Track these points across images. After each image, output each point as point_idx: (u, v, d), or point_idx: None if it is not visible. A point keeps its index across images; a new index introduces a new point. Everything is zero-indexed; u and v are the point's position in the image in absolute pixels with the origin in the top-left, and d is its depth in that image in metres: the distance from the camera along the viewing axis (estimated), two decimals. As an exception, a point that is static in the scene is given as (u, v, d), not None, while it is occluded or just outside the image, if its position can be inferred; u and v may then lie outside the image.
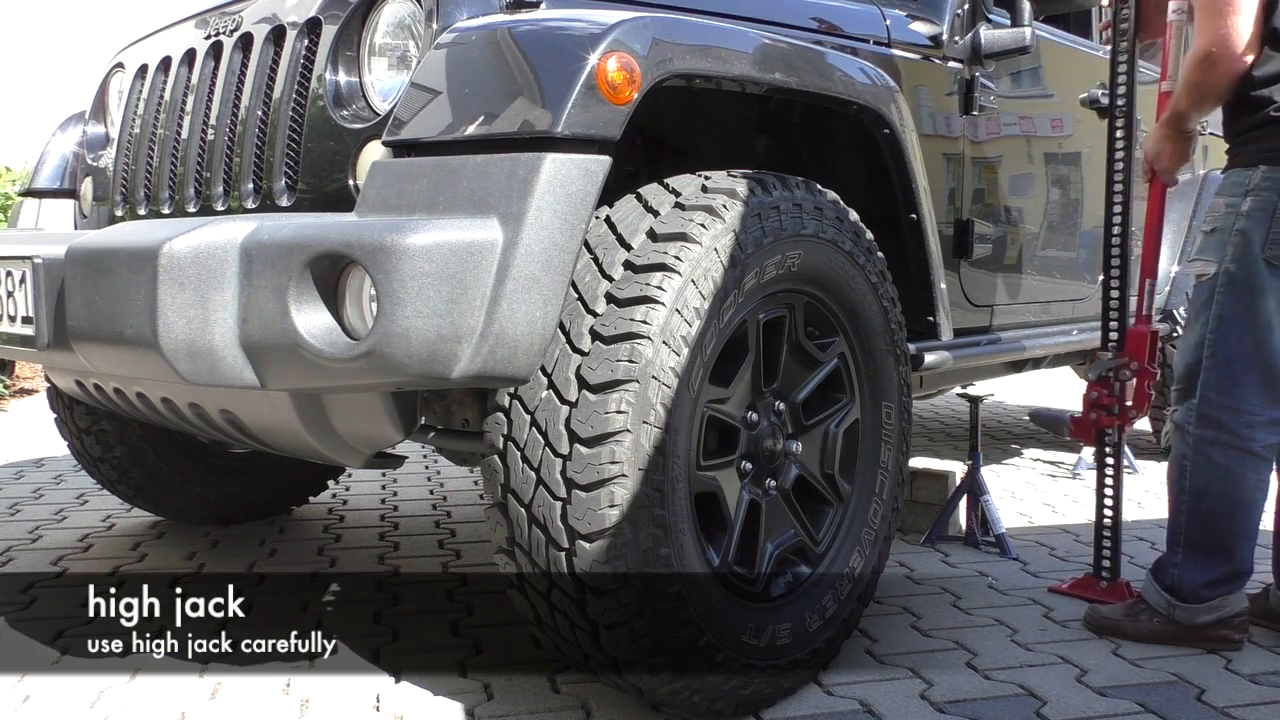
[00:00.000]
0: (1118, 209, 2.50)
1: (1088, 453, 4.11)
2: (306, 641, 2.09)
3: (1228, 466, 2.11)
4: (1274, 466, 2.20)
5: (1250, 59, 2.04)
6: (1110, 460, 2.53)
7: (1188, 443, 2.15)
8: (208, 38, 2.11)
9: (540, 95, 1.56)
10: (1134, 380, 2.45)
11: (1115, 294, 2.52)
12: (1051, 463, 4.28)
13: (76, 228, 2.54)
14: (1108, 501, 2.53)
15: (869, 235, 2.05)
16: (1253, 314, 2.07)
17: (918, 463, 3.16)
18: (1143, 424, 3.88)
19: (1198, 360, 2.13)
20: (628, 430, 1.57)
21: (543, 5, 1.80)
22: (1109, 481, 2.54)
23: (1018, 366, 3.22)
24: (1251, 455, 2.11)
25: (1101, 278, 2.59)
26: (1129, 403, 2.47)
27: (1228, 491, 2.11)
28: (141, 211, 2.21)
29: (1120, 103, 2.48)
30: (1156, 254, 2.48)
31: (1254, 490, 2.13)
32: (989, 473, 3.27)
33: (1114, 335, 2.52)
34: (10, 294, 1.93)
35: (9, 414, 5.27)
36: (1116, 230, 2.51)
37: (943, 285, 2.43)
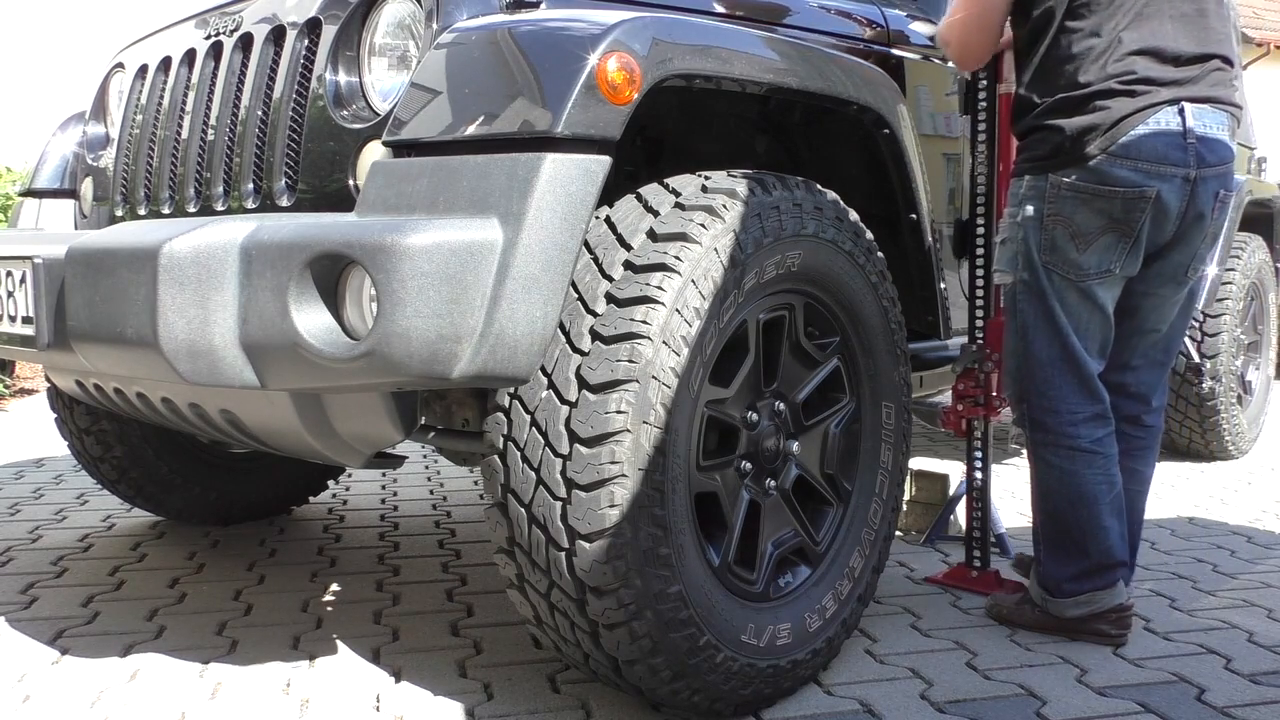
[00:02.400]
0: (980, 206, 2.55)
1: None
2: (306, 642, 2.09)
3: (1061, 465, 2.17)
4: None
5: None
6: (979, 452, 2.61)
7: (1029, 448, 2.25)
8: (208, 38, 2.11)
9: (540, 95, 1.56)
10: (996, 371, 2.50)
11: (980, 288, 2.56)
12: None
13: (76, 228, 2.55)
14: (976, 490, 2.62)
15: (869, 235, 2.05)
16: (1050, 317, 2.13)
17: (917, 463, 3.16)
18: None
19: (1016, 366, 2.21)
20: (628, 430, 1.57)
21: (543, 5, 1.80)
22: (978, 474, 2.61)
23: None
24: (1081, 451, 2.16)
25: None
26: (994, 394, 2.53)
27: (1066, 490, 2.17)
28: (141, 211, 2.21)
29: (982, 104, 2.52)
30: None
31: (1093, 485, 2.16)
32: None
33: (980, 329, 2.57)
34: (10, 294, 1.93)
35: (9, 414, 5.27)
36: (980, 227, 2.55)
37: (943, 285, 2.44)
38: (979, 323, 2.56)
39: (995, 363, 2.49)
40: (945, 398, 2.85)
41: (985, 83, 2.51)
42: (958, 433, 2.61)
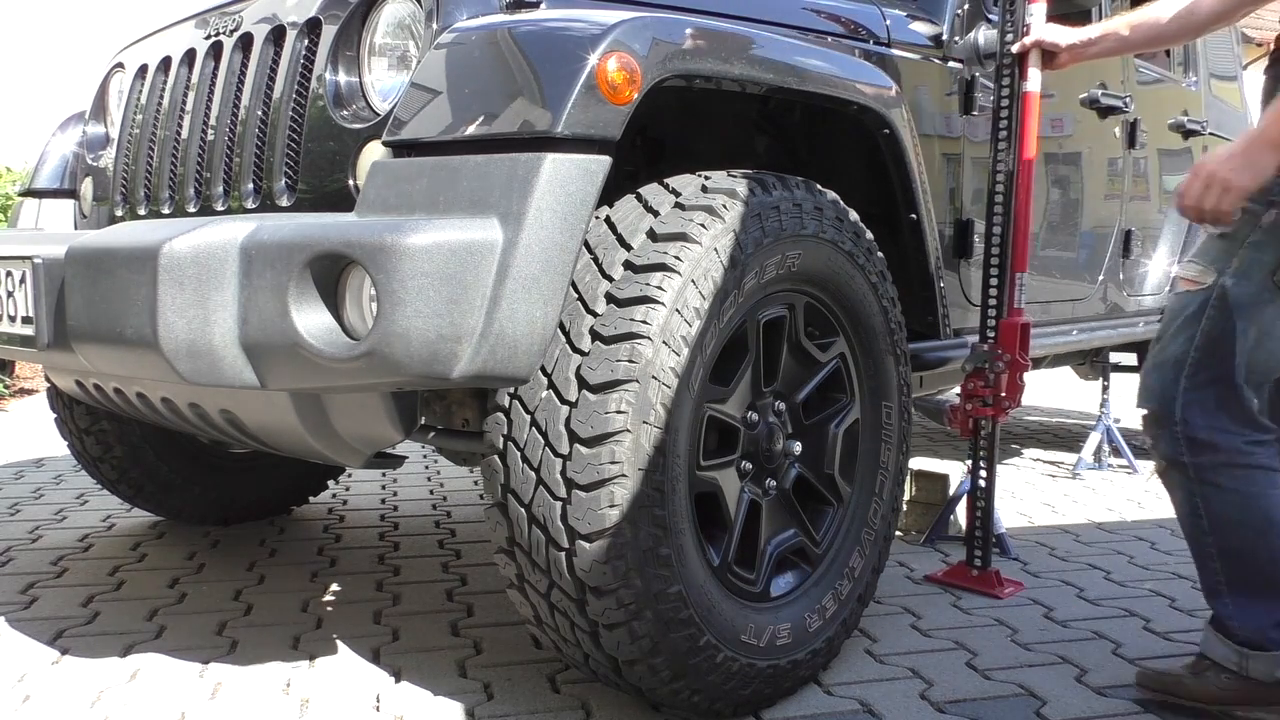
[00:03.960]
0: (998, 206, 2.54)
1: (1088, 452, 4.12)
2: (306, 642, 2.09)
3: (1238, 489, 1.81)
4: None
5: None
6: (984, 451, 2.60)
7: (1188, 475, 1.84)
8: (208, 38, 2.11)
9: (540, 95, 1.56)
10: (1006, 372, 2.48)
11: (994, 288, 2.56)
12: (1051, 463, 4.29)
13: (76, 228, 2.55)
14: (979, 490, 2.61)
15: (869, 235, 2.05)
16: (1231, 336, 1.79)
17: (917, 463, 3.16)
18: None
19: (1173, 379, 1.84)
20: (628, 430, 1.57)
21: (543, 5, 1.80)
22: (982, 472, 2.60)
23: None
24: (1262, 469, 1.81)
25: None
26: (1003, 394, 2.51)
27: (1251, 517, 1.81)
28: (141, 211, 2.21)
29: (1005, 101, 2.51)
30: (1025, 249, 2.53)
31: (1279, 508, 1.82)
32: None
33: (991, 328, 2.57)
34: (10, 294, 1.93)
35: (9, 414, 5.27)
36: (997, 226, 2.55)
37: (943, 285, 2.44)
38: (990, 322, 2.55)
39: (1005, 363, 2.48)
40: (951, 396, 2.85)
41: (1008, 81, 2.50)
42: (963, 432, 2.60)
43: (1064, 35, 2.41)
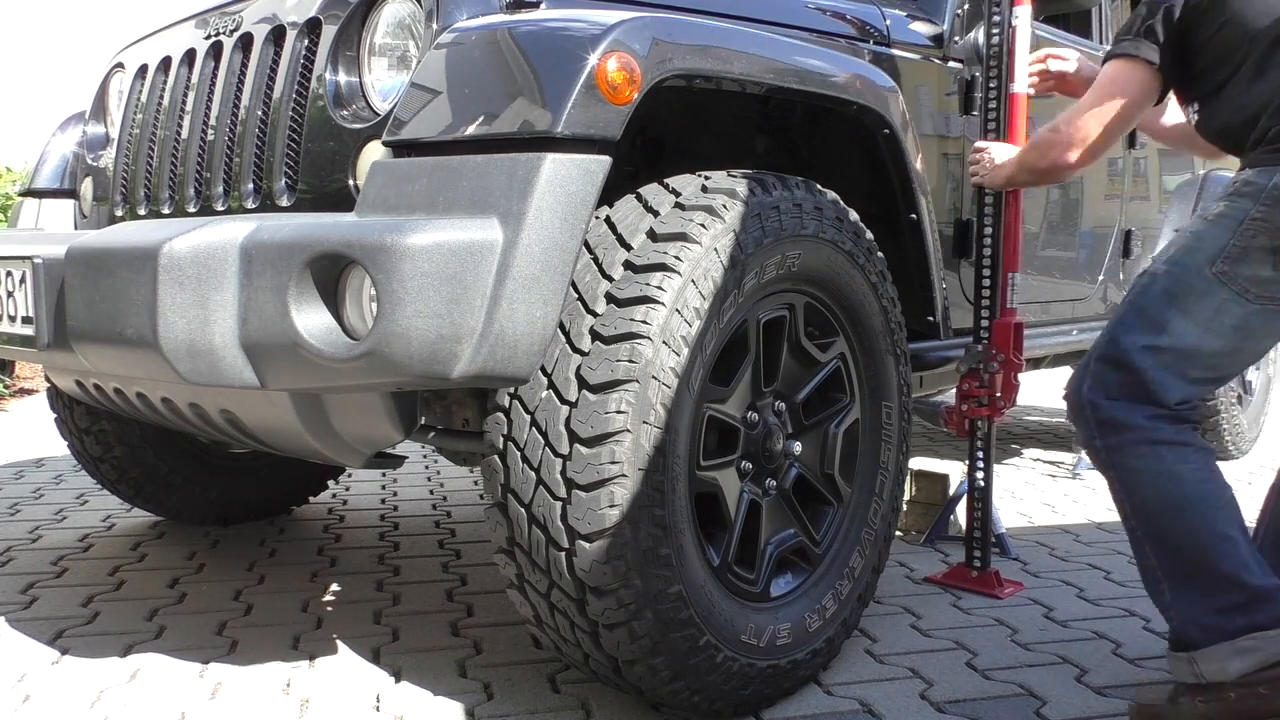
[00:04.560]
0: (989, 207, 2.55)
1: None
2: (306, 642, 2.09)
3: (1149, 468, 1.75)
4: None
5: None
6: (981, 452, 2.60)
7: (1103, 459, 1.81)
8: (208, 38, 2.11)
9: (540, 95, 1.56)
10: (1001, 372, 2.48)
11: (987, 288, 2.57)
12: (1051, 463, 4.29)
13: (76, 228, 2.55)
14: (978, 491, 2.61)
15: (869, 235, 2.05)
16: (1167, 317, 1.77)
17: (917, 463, 3.16)
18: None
19: (1086, 364, 1.84)
20: (628, 430, 1.57)
21: (543, 5, 1.80)
22: (980, 474, 2.61)
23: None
24: (1167, 444, 1.74)
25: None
26: (998, 394, 2.51)
27: (1164, 496, 1.74)
28: (141, 211, 2.21)
29: (992, 108, 2.53)
30: (1016, 250, 2.54)
31: (1196, 484, 1.73)
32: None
33: (984, 328, 2.57)
34: (10, 294, 1.93)
35: (9, 414, 5.27)
36: (989, 227, 2.56)
37: (943, 285, 2.43)
38: (984, 322, 2.56)
39: (1000, 363, 2.49)
40: (948, 397, 2.85)
41: (995, 81, 2.51)
42: (960, 433, 2.61)
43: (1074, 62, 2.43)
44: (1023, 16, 2.46)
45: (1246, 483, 3.97)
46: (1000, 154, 2.33)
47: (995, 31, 2.51)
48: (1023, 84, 2.47)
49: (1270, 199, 1.69)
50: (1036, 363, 3.39)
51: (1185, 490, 1.72)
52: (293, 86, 1.86)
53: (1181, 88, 1.95)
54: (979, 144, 2.42)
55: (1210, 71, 1.86)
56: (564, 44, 1.60)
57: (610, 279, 1.63)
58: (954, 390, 2.62)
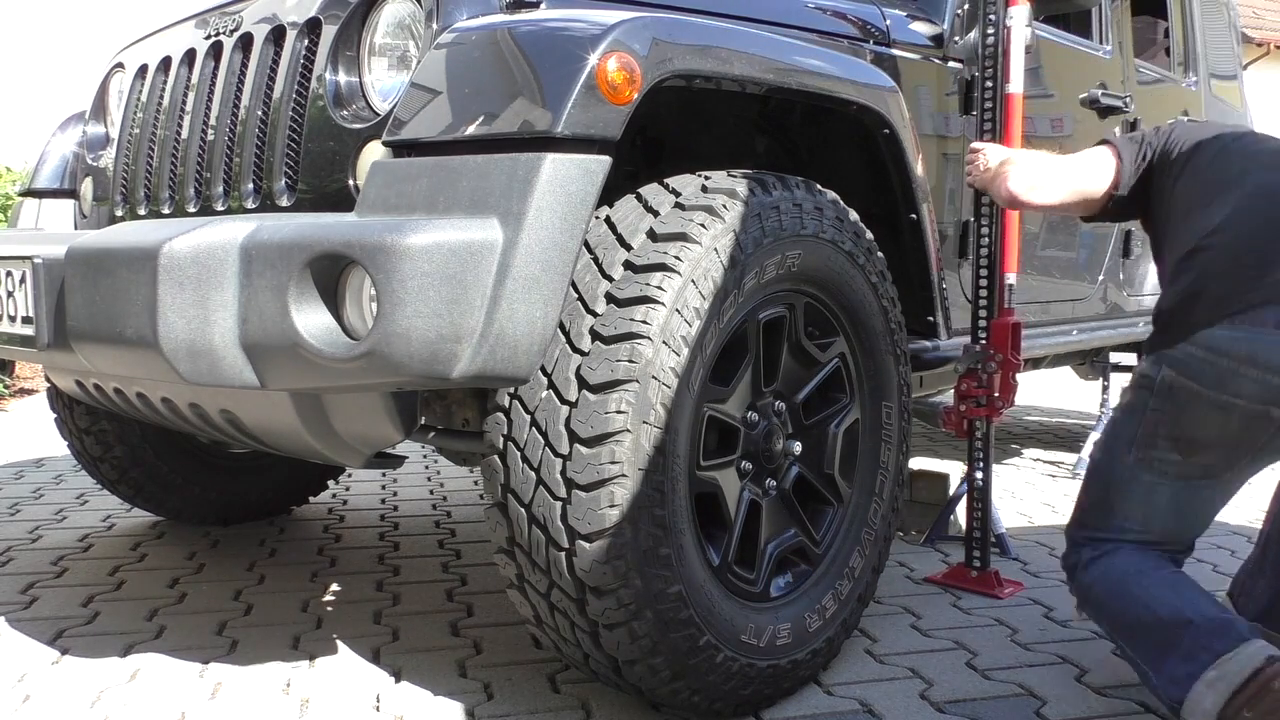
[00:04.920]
0: (985, 207, 2.55)
1: (1087, 452, 4.11)
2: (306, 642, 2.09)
3: (1095, 579, 1.93)
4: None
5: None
6: (980, 451, 2.61)
7: (1073, 582, 2.00)
8: (208, 38, 2.11)
9: (540, 95, 1.56)
10: (999, 372, 2.49)
11: (984, 288, 2.57)
12: (1051, 463, 4.29)
13: (76, 228, 2.55)
14: (977, 491, 2.62)
15: (869, 235, 2.05)
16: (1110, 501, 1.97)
17: (917, 463, 3.16)
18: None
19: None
20: (628, 430, 1.57)
21: (543, 5, 1.80)
22: (979, 474, 2.61)
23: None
24: (1098, 557, 1.93)
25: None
26: (996, 394, 2.52)
27: (1110, 589, 1.89)
28: (141, 211, 2.21)
29: (988, 109, 2.53)
30: (1010, 250, 2.54)
31: (1124, 567, 1.89)
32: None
33: (982, 329, 2.58)
34: (10, 294, 1.93)
35: (9, 414, 5.27)
36: (984, 227, 2.55)
37: (943, 285, 2.44)
38: (981, 323, 2.56)
39: (998, 363, 2.49)
40: (946, 397, 2.86)
41: (990, 82, 2.51)
42: (959, 433, 2.61)
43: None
44: (1018, 17, 2.46)
45: (1246, 483, 3.97)
46: (995, 156, 2.34)
47: (990, 32, 2.51)
48: (1018, 85, 2.47)
49: (1162, 392, 1.87)
50: (1037, 363, 3.39)
51: (1121, 579, 1.88)
52: (293, 86, 1.86)
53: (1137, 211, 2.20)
54: (974, 145, 2.44)
55: (1154, 232, 2.13)
56: (564, 44, 1.60)
57: (610, 279, 1.63)
58: (953, 392, 2.62)
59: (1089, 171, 2.17)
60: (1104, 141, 2.21)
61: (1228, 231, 1.89)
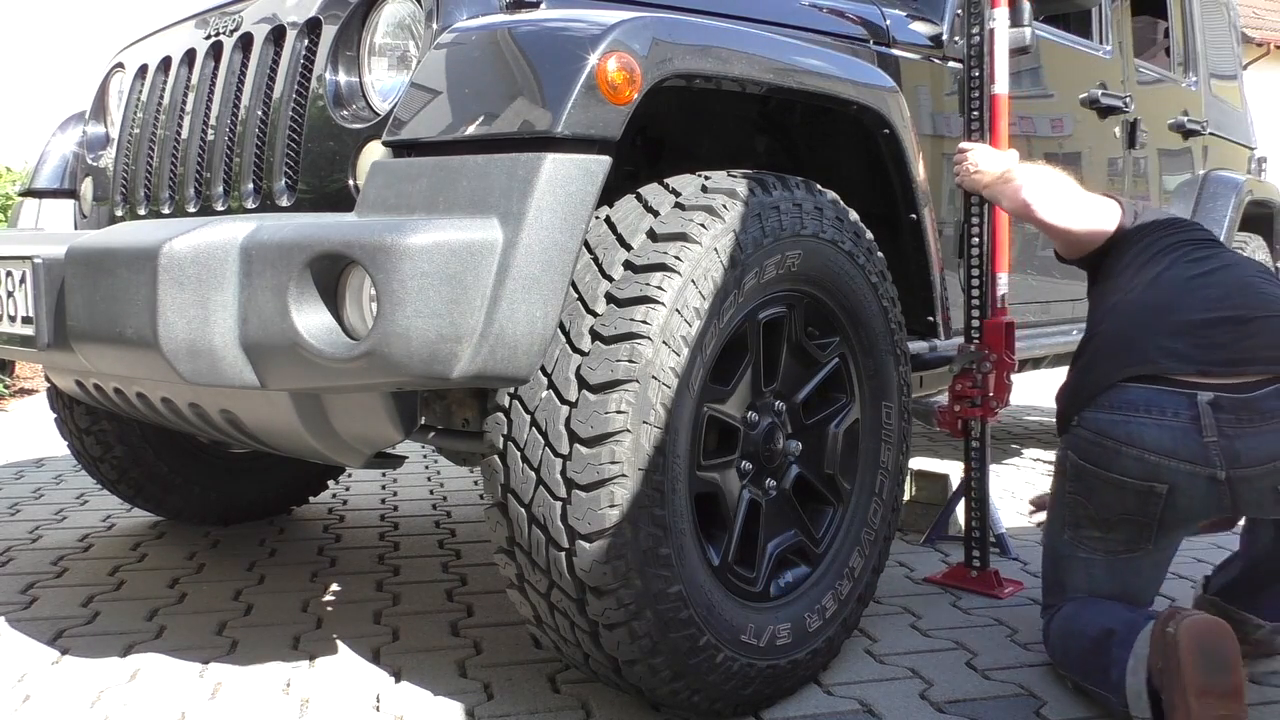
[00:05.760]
0: (975, 207, 2.55)
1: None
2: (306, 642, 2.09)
3: (1054, 631, 2.02)
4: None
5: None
6: (975, 451, 2.61)
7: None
8: (208, 38, 2.11)
9: (540, 95, 1.56)
10: (994, 372, 2.50)
11: (976, 289, 2.57)
12: (1051, 463, 4.28)
13: (76, 228, 2.55)
14: (974, 490, 2.62)
15: (869, 235, 2.05)
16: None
17: (917, 463, 3.16)
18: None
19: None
20: (628, 430, 1.57)
21: (543, 5, 1.80)
22: (975, 474, 2.61)
23: (1018, 366, 3.22)
24: (1056, 608, 2.05)
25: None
26: (991, 394, 2.52)
27: (1065, 638, 1.98)
28: (141, 211, 2.21)
29: (974, 110, 2.53)
30: (1000, 249, 2.55)
31: (1068, 610, 2.00)
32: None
33: (975, 328, 2.57)
34: (10, 294, 1.93)
35: (9, 414, 5.27)
36: (975, 227, 2.55)
37: (943, 285, 2.44)
38: (975, 323, 2.56)
39: (992, 363, 2.49)
40: (943, 397, 2.85)
41: (976, 81, 2.51)
42: (954, 433, 2.61)
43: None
44: (1000, 18, 2.46)
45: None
46: (981, 156, 2.36)
47: (975, 33, 2.51)
48: (1003, 85, 2.47)
49: (1072, 475, 2.01)
50: (1037, 362, 3.39)
51: (1064, 622, 1.99)
52: (293, 86, 1.86)
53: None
54: (962, 145, 2.44)
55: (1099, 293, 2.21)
56: (564, 44, 1.60)
57: (610, 279, 1.63)
58: (948, 392, 2.62)
59: (1102, 213, 2.21)
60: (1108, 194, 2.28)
61: (1113, 318, 2.03)
